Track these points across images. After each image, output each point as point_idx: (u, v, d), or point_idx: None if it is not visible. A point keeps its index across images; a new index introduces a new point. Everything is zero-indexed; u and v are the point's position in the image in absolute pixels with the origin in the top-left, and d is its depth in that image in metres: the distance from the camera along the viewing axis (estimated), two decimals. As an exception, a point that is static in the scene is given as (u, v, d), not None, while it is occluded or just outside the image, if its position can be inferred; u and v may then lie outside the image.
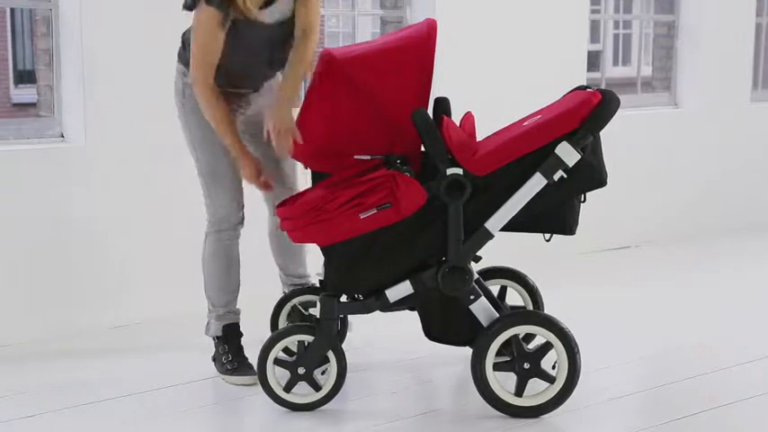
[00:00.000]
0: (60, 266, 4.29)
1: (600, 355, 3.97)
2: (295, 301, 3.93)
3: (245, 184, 3.74)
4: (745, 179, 6.72)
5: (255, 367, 3.45)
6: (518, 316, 3.39)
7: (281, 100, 3.52)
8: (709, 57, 6.45)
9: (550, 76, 5.52)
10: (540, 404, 3.34)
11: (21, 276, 4.21)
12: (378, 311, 3.43)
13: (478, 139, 3.58)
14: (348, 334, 3.98)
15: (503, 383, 3.36)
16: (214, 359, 3.83)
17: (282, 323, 3.92)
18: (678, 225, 6.36)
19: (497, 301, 3.62)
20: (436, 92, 5.06)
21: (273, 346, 3.40)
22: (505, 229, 3.35)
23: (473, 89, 5.20)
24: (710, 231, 6.46)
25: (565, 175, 3.26)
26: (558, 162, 3.23)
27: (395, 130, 3.35)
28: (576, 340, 3.31)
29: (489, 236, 3.32)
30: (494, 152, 3.28)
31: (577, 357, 3.30)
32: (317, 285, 3.83)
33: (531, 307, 3.89)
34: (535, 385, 3.36)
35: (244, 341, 3.86)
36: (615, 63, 20.92)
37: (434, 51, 3.37)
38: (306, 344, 3.40)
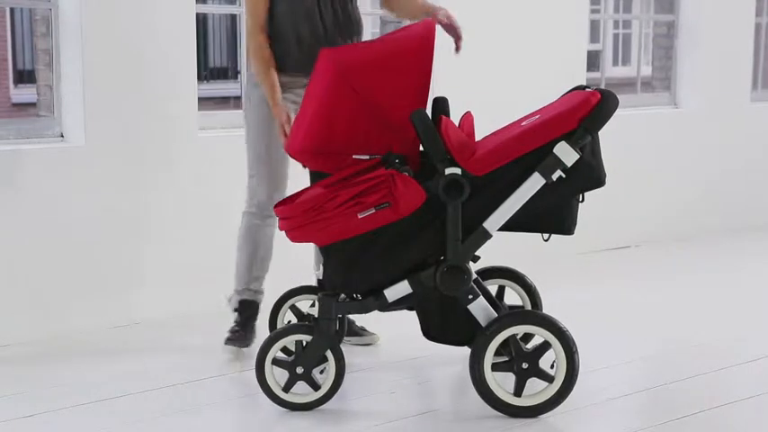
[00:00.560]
0: (60, 266, 4.29)
1: (599, 355, 3.98)
2: (293, 300, 3.93)
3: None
4: (745, 179, 6.72)
5: (254, 367, 3.45)
6: (516, 316, 3.39)
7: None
8: (709, 57, 6.45)
9: (550, 76, 5.52)
10: (539, 404, 3.35)
11: (21, 276, 4.21)
12: (376, 311, 3.43)
13: (478, 138, 3.58)
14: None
15: (501, 383, 3.36)
16: None
17: (281, 323, 3.92)
18: (678, 225, 6.36)
19: (496, 301, 3.62)
20: (435, 92, 5.06)
21: (272, 346, 3.40)
22: (504, 228, 3.35)
23: (473, 89, 5.19)
24: (710, 231, 6.46)
25: (563, 175, 3.26)
26: (556, 162, 3.23)
27: (393, 130, 3.35)
28: (575, 340, 3.31)
29: (488, 235, 3.32)
30: (492, 152, 3.28)
31: (576, 357, 3.30)
32: (316, 285, 3.84)
33: (529, 307, 3.89)
34: (534, 385, 3.36)
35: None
36: (615, 63, 20.91)
37: (433, 52, 3.38)
38: (304, 343, 3.40)
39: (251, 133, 3.93)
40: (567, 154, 3.22)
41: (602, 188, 3.36)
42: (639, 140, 6.12)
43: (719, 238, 6.37)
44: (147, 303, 4.51)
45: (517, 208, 3.29)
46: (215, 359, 3.97)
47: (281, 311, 3.93)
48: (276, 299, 3.96)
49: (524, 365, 3.33)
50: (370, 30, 14.92)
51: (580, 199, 3.39)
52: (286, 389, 3.42)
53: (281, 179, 3.94)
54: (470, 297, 3.36)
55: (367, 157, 3.41)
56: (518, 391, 3.35)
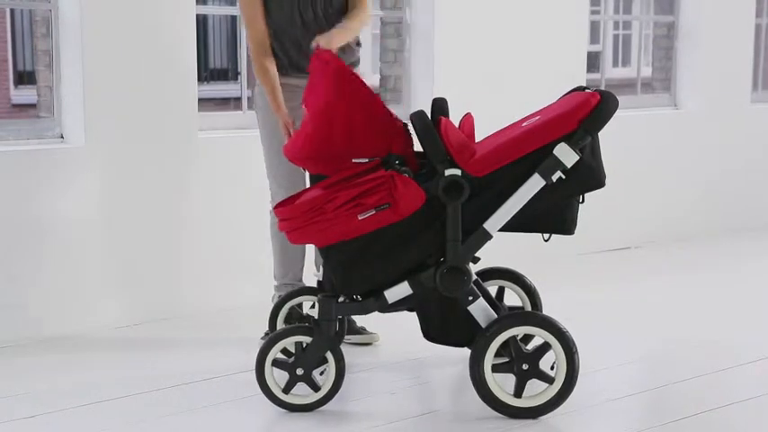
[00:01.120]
0: (60, 266, 4.29)
1: (599, 356, 3.97)
2: (293, 302, 3.93)
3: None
4: (745, 179, 6.72)
5: (254, 369, 3.44)
6: (516, 317, 3.39)
7: (331, 32, 3.78)
8: (709, 57, 6.45)
9: (550, 76, 5.52)
10: (539, 405, 3.34)
11: (20, 276, 4.21)
12: (376, 312, 3.43)
13: (478, 139, 3.58)
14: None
15: (501, 384, 3.35)
16: None
17: (281, 324, 3.92)
18: (678, 225, 6.36)
19: (496, 302, 3.62)
20: (435, 92, 5.08)
21: (272, 348, 3.40)
22: (504, 229, 3.35)
23: (473, 90, 5.20)
24: (710, 231, 6.46)
25: (563, 176, 3.26)
26: (556, 163, 3.23)
27: (392, 133, 3.37)
28: (575, 341, 3.31)
29: (488, 236, 3.32)
30: (492, 153, 3.28)
31: (576, 358, 3.30)
32: (316, 286, 3.84)
33: (529, 308, 3.89)
34: (534, 386, 3.35)
35: (244, 340, 3.87)
36: (615, 64, 20.89)
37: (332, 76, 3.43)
38: (304, 345, 3.40)
39: (264, 137, 4.05)
40: (566, 155, 3.22)
41: (603, 189, 3.36)
42: (640, 141, 6.12)
43: (719, 238, 6.37)
44: (147, 303, 4.51)
45: (517, 209, 3.29)
46: (215, 360, 3.97)
47: (281, 313, 3.93)
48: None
49: (524, 366, 3.33)
50: (370, 30, 14.91)
51: (580, 200, 3.39)
52: (286, 390, 3.42)
53: (297, 179, 3.99)
54: (470, 298, 3.35)
55: (366, 160, 3.42)
56: (518, 393, 3.35)
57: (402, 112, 5.26)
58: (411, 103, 5.35)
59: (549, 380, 3.34)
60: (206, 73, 17.37)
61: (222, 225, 4.65)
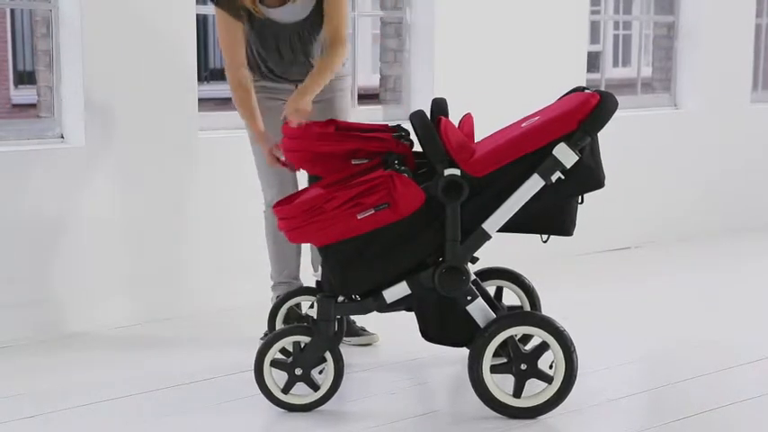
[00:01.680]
0: (60, 266, 4.29)
1: (598, 356, 3.98)
2: (291, 302, 3.93)
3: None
4: (745, 179, 6.72)
5: (253, 369, 3.44)
6: (515, 317, 3.39)
7: (299, 91, 3.80)
8: (709, 57, 6.45)
9: (550, 76, 5.52)
10: (538, 405, 3.34)
11: (21, 276, 4.21)
12: (375, 312, 3.43)
13: (477, 139, 3.59)
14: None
15: (500, 384, 3.36)
16: None
17: (279, 325, 3.92)
18: (678, 225, 6.36)
19: (494, 302, 3.62)
20: (435, 93, 5.08)
21: (270, 348, 3.40)
22: (503, 230, 3.35)
23: (472, 90, 5.20)
24: (710, 231, 6.46)
25: (562, 177, 3.26)
26: (555, 163, 3.23)
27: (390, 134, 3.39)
28: (573, 340, 3.31)
29: (487, 236, 3.32)
30: (492, 153, 3.28)
31: (574, 358, 3.30)
32: (315, 286, 3.84)
33: (527, 308, 3.89)
34: (533, 386, 3.35)
35: (244, 340, 3.87)
36: (615, 64, 20.89)
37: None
38: (302, 345, 3.40)
39: (252, 142, 4.05)
40: (566, 155, 3.22)
41: (602, 189, 3.36)
42: (639, 141, 6.12)
43: (719, 238, 6.37)
44: (147, 303, 4.51)
45: (516, 209, 3.29)
46: (215, 360, 3.97)
47: (279, 313, 3.93)
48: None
49: (523, 366, 3.33)
50: (370, 30, 14.91)
51: (580, 200, 3.39)
52: (285, 390, 3.42)
53: (286, 178, 4.00)
54: (469, 298, 3.35)
55: (366, 160, 3.43)
56: (517, 392, 3.35)
57: (402, 112, 5.27)
58: (411, 103, 5.35)
59: (548, 380, 3.34)
60: (206, 73, 17.36)
61: (222, 225, 4.65)
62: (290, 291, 3.98)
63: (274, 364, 3.41)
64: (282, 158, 3.79)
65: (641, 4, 6.73)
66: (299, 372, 3.40)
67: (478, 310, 3.37)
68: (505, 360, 3.34)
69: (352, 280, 3.37)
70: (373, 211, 3.26)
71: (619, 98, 3.32)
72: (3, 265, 4.17)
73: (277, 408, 3.43)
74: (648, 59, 8.75)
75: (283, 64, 3.96)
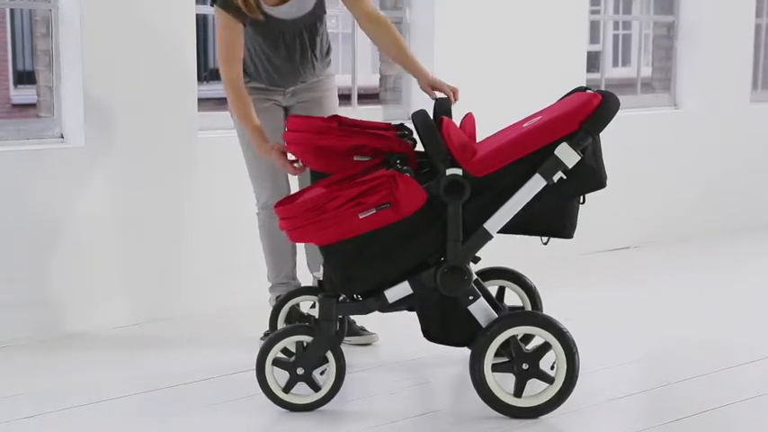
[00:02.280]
0: (60, 266, 4.29)
1: (599, 356, 3.97)
2: (293, 302, 3.93)
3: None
4: (745, 179, 6.72)
5: (255, 368, 3.44)
6: (516, 317, 3.39)
7: (419, 72, 3.90)
8: (709, 57, 6.45)
9: (550, 76, 5.52)
10: (539, 405, 3.34)
11: (21, 276, 4.21)
12: (377, 312, 3.43)
13: (479, 139, 3.58)
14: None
15: (501, 384, 3.35)
16: None
17: (281, 324, 3.92)
18: (678, 225, 6.36)
19: (496, 302, 3.62)
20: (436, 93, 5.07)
21: (272, 347, 3.40)
22: (504, 231, 3.35)
23: (472, 90, 5.18)
24: (710, 231, 6.46)
25: (564, 177, 3.26)
26: (557, 163, 3.23)
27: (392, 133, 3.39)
28: (575, 341, 3.31)
29: (488, 236, 3.32)
30: (493, 153, 3.28)
31: (576, 358, 3.30)
32: (316, 286, 3.84)
33: (529, 308, 3.89)
34: (534, 386, 3.35)
35: (244, 340, 3.86)
36: (615, 64, 20.89)
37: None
38: (304, 344, 3.40)
39: (242, 143, 4.04)
40: (568, 155, 3.22)
41: (603, 189, 3.35)
42: (639, 141, 6.12)
43: (719, 238, 6.37)
44: (147, 303, 4.51)
45: (518, 209, 3.29)
46: (215, 360, 3.97)
47: (281, 312, 3.93)
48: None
49: (524, 366, 3.33)
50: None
51: (581, 201, 3.39)
52: (286, 390, 3.42)
53: (279, 178, 4.00)
54: (471, 298, 3.35)
55: (368, 158, 3.42)
56: (518, 392, 3.35)
57: (402, 112, 5.27)
58: (411, 103, 5.35)
59: (550, 380, 3.34)
60: (206, 73, 17.35)
61: (222, 225, 4.65)
62: (290, 291, 3.98)
63: (276, 363, 3.41)
64: (292, 158, 3.70)
65: (641, 4, 6.73)
66: (300, 371, 3.40)
67: (480, 309, 3.36)
68: (507, 359, 3.34)
69: (354, 279, 3.37)
70: (375, 211, 3.25)
71: (619, 98, 3.32)
72: (3, 265, 4.16)
73: (277, 408, 3.43)
74: (648, 59, 8.75)
75: (292, 62, 3.94)
